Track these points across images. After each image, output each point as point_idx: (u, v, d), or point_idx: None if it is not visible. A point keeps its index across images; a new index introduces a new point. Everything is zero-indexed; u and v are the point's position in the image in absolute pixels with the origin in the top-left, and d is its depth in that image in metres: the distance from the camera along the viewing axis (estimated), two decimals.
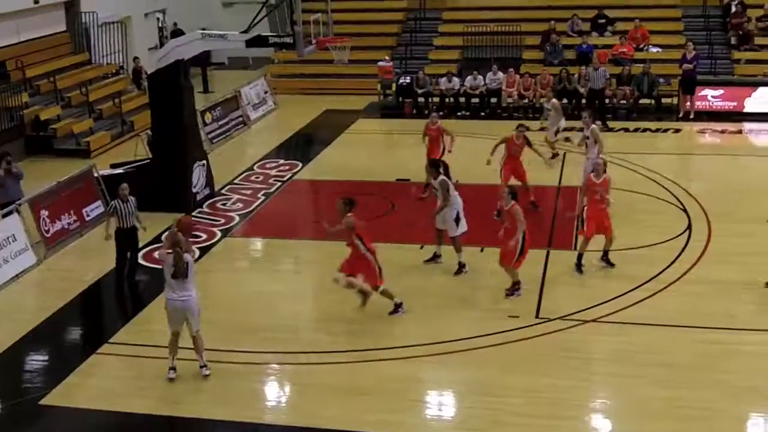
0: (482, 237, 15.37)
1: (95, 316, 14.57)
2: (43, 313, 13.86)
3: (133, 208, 14.66)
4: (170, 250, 11.60)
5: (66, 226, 16.75)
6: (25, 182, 17.48)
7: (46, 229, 16.23)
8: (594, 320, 13.05)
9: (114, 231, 14.76)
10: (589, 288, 14.17)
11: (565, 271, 14.81)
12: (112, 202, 14.75)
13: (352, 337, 12.87)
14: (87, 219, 17.26)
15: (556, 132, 21.03)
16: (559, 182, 19.18)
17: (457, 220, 14.80)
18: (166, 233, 12.14)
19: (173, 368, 11.81)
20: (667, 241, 15.88)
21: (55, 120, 23.13)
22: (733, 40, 27.79)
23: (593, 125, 17.43)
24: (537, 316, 13.25)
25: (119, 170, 18.80)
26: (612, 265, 14.78)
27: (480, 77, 26.05)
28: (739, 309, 13.35)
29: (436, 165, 15.21)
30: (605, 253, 14.84)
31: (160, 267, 15.23)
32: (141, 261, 15.56)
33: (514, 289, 13.93)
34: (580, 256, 14.77)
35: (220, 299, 14.28)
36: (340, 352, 12.40)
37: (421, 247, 15.63)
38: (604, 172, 14.81)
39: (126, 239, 14.77)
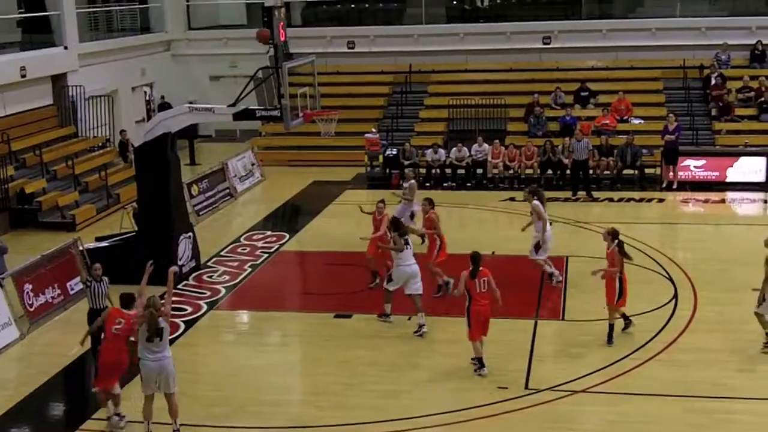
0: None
1: (79, 392, 14.35)
2: (25, 389, 13.68)
3: (106, 289, 14.49)
4: (143, 311, 11.54)
5: (50, 300, 16.63)
6: (9, 255, 17.44)
7: (30, 302, 16.11)
8: (583, 390, 12.98)
9: (87, 312, 14.59)
10: (577, 358, 14.11)
11: (552, 341, 14.78)
12: (88, 279, 14.61)
13: (341, 410, 12.72)
14: (71, 293, 17.13)
15: (411, 216, 19.28)
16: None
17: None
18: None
19: None
20: (654, 310, 15.89)
21: (41, 193, 23.10)
22: (713, 111, 28.17)
23: (534, 202, 17.11)
24: (526, 387, 13.16)
25: (105, 243, 18.77)
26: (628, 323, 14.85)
27: (465, 149, 26.26)
28: (727, 377, 13.31)
29: (395, 224, 15.65)
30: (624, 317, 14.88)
31: None
32: None
33: (474, 363, 13.71)
34: (610, 327, 14.58)
35: (206, 373, 14.15)
36: (329, 426, 12.26)
37: (409, 318, 15.56)
38: (616, 243, 14.58)
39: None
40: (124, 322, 12.00)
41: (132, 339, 11.97)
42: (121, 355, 12.05)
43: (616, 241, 14.53)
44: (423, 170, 26.53)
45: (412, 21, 32.78)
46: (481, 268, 13.44)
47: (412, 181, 20.10)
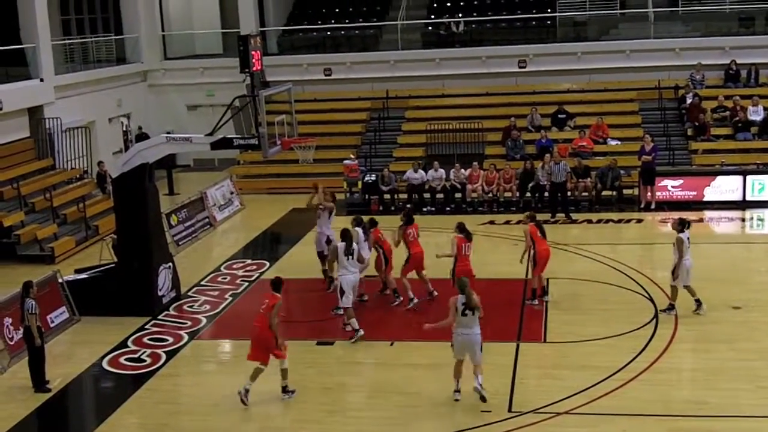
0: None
1: (62, 425, 14.23)
2: (7, 423, 13.54)
3: None
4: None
5: None
6: None
7: (10, 336, 15.96)
8: (566, 412, 12.98)
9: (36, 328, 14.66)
10: (560, 379, 14.12)
11: (534, 363, 14.79)
12: (32, 302, 14.64)
13: None
14: (51, 326, 17.01)
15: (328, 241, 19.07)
16: (526, 275, 19.24)
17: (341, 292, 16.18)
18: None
19: (458, 390, 13.40)
20: (635, 330, 15.94)
21: (19, 226, 22.96)
22: (689, 131, 28.40)
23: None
24: (509, 410, 13.16)
25: (84, 275, 18.68)
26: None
27: (441, 170, 26.35)
28: (709, 396, 13.36)
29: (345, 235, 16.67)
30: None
31: (124, 372, 15.17)
32: (106, 366, 15.45)
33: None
34: (542, 290, 17.54)
35: (188, 404, 14.09)
36: None
37: (392, 344, 15.56)
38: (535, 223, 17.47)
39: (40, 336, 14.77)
40: (267, 302, 13.69)
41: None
42: (266, 332, 13.56)
43: (533, 222, 17.47)
44: (404, 195, 26.60)
45: (388, 47, 32.96)
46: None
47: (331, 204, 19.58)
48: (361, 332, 16.09)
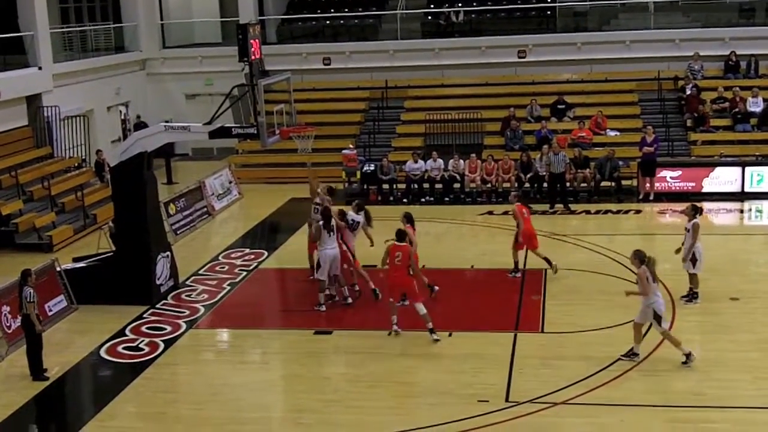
0: (453, 322, 15.58)
1: (60, 413, 14.23)
2: (5, 411, 13.55)
3: None
4: None
5: None
6: None
7: (8, 324, 15.95)
8: (564, 402, 12.99)
9: (35, 316, 14.69)
10: (557, 369, 14.12)
11: (532, 354, 14.79)
12: (30, 290, 14.67)
13: (323, 427, 12.68)
14: (49, 314, 17.00)
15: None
16: (524, 266, 19.23)
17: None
18: None
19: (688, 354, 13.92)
20: (633, 320, 15.90)
21: (17, 214, 22.94)
22: (689, 122, 28.37)
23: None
24: (507, 400, 13.16)
25: (82, 264, 18.66)
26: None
27: (440, 160, 26.30)
28: (707, 386, 13.36)
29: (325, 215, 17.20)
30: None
31: (122, 361, 15.20)
32: (104, 355, 15.45)
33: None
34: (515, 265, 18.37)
35: (186, 392, 14.09)
36: None
37: (389, 334, 15.56)
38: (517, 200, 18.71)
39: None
40: (401, 254, 15.21)
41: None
42: (405, 278, 15.32)
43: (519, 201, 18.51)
44: (402, 185, 26.57)
45: (387, 36, 32.88)
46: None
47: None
48: (324, 308, 17.00)
